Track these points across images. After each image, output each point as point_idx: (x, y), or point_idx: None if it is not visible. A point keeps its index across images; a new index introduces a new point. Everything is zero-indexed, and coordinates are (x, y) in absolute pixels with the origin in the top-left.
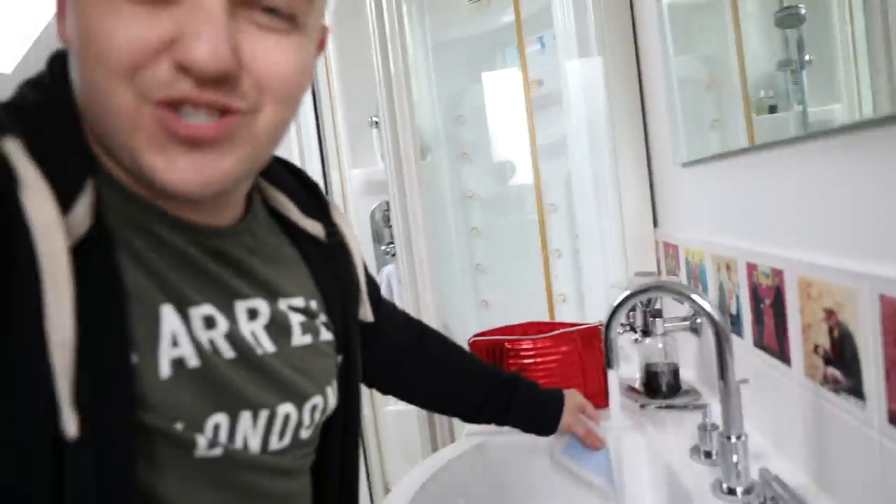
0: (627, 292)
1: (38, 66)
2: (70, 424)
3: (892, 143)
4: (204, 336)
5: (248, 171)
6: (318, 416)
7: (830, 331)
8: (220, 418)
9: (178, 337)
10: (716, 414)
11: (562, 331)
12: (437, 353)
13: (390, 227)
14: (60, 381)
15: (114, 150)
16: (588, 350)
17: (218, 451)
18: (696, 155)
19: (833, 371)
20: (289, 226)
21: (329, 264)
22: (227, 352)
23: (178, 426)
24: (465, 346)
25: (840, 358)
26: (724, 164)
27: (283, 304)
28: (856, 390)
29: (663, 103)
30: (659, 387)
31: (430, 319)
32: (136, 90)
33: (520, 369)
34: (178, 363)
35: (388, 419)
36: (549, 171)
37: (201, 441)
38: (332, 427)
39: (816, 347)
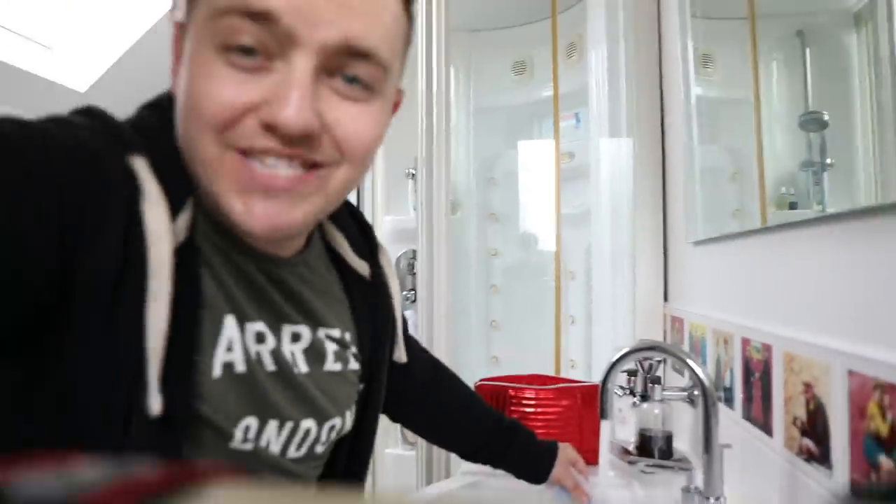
0: (627, 348)
1: (112, 88)
2: (155, 402)
3: (861, 236)
4: (253, 348)
5: (316, 220)
6: (333, 435)
7: (807, 403)
8: (251, 421)
9: (232, 344)
10: (700, 478)
11: (564, 385)
12: (448, 390)
13: (414, 274)
14: (152, 363)
15: (201, 190)
16: (587, 408)
17: (249, 446)
18: (707, 235)
19: (807, 442)
20: (339, 261)
21: (369, 302)
22: (269, 365)
23: (220, 418)
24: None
25: (813, 429)
26: (729, 246)
27: (321, 333)
28: (825, 459)
29: (683, 186)
30: (652, 452)
31: None
32: (222, 143)
33: (520, 417)
34: (228, 366)
35: (388, 462)
36: (571, 239)
37: (238, 434)
38: (341, 445)
39: (795, 419)
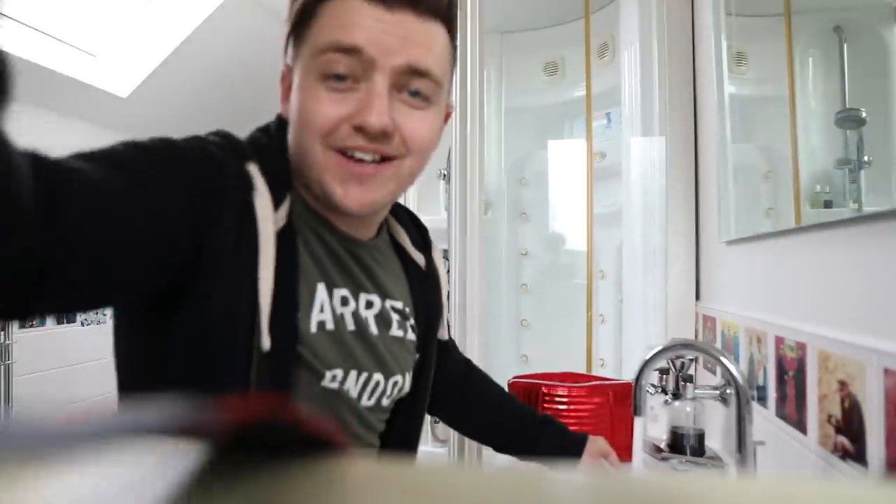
0: (661, 346)
1: (152, 93)
2: (265, 341)
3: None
4: (339, 310)
5: (392, 200)
6: (395, 391)
7: (842, 401)
8: (338, 371)
9: (324, 306)
10: (733, 476)
11: (597, 382)
12: (480, 384)
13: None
14: (263, 315)
15: (309, 182)
16: (619, 406)
17: (335, 385)
18: (740, 234)
19: (842, 439)
20: (401, 251)
21: (423, 286)
22: (350, 325)
23: (316, 363)
24: (505, 388)
25: (849, 427)
26: (762, 245)
27: (388, 303)
28: (860, 457)
29: (716, 185)
30: (683, 449)
31: None
32: (325, 145)
33: (553, 414)
34: (321, 324)
35: (419, 459)
36: (602, 238)
37: (328, 375)
38: (400, 407)
39: (830, 417)
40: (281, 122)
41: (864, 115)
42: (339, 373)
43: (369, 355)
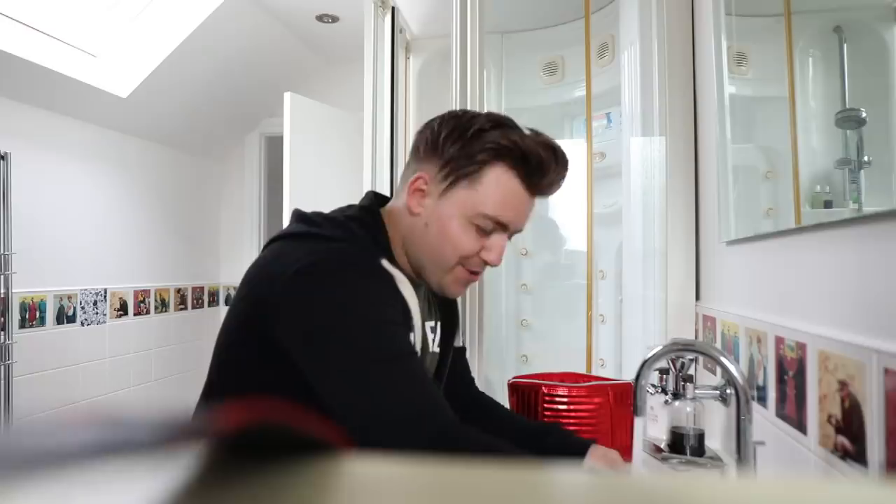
0: (661, 346)
1: (151, 93)
2: (416, 345)
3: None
4: (425, 335)
5: None
6: None
7: (843, 401)
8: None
9: (416, 334)
10: (734, 475)
11: (597, 382)
12: (487, 399)
13: None
14: (415, 337)
15: (427, 274)
16: (619, 406)
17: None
18: (740, 235)
19: (842, 439)
20: None
21: (447, 306)
22: (430, 346)
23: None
24: (505, 388)
25: (849, 427)
26: (762, 245)
27: (427, 325)
28: (860, 457)
29: (716, 185)
30: (683, 450)
31: (472, 367)
32: (459, 263)
33: (553, 414)
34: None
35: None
36: (602, 238)
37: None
38: None
39: (830, 417)
40: (373, 206)
41: (864, 115)
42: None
43: (428, 363)
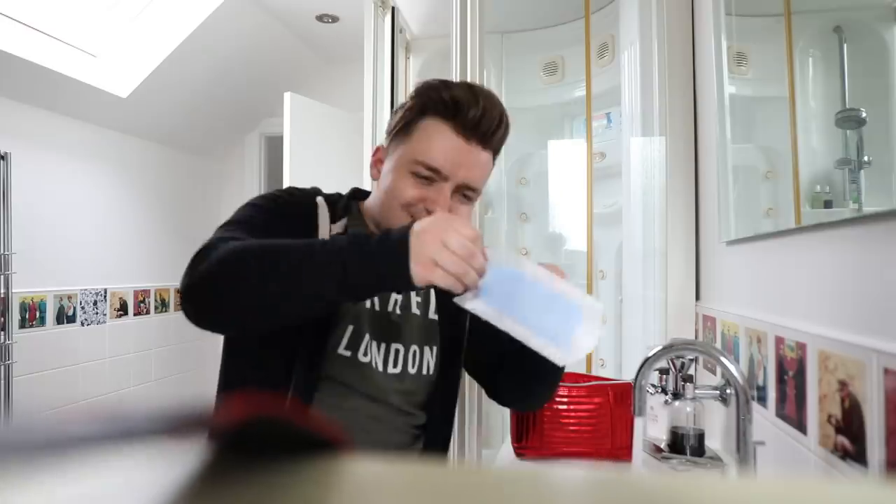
0: (661, 346)
1: (151, 93)
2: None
3: None
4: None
5: None
6: (419, 359)
7: (843, 401)
8: (371, 343)
9: None
10: (734, 475)
11: (597, 382)
12: None
13: None
14: None
15: (383, 225)
16: (619, 406)
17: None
18: (740, 235)
19: (842, 439)
20: None
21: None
22: (376, 306)
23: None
24: None
25: (849, 427)
26: (762, 245)
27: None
28: (860, 457)
29: (716, 185)
30: (683, 449)
31: None
32: (405, 212)
33: (553, 414)
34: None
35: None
36: (602, 238)
37: (365, 340)
38: (435, 393)
39: (830, 417)
40: (354, 193)
41: (864, 115)
42: (372, 343)
43: (398, 331)
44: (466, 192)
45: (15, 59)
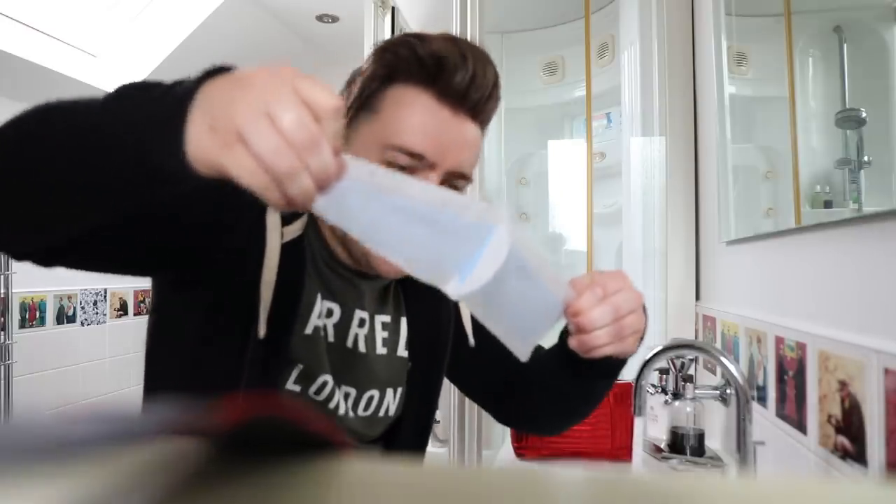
0: (661, 346)
1: None
2: (262, 329)
3: None
4: (325, 321)
5: None
6: (381, 406)
7: (843, 401)
8: (327, 379)
9: (321, 314)
10: (733, 475)
11: None
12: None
13: None
14: (263, 307)
15: (349, 242)
16: (619, 406)
17: (322, 398)
18: (740, 235)
19: (842, 439)
20: None
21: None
22: (333, 338)
23: (306, 366)
24: None
25: (849, 427)
26: (762, 245)
27: (378, 320)
28: (860, 457)
29: (716, 185)
30: (683, 449)
31: None
32: None
33: None
34: (317, 329)
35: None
36: (602, 238)
37: (318, 380)
38: (400, 425)
39: (830, 417)
40: None
41: (864, 115)
42: (328, 381)
43: (356, 371)
44: (456, 182)
45: (15, 59)
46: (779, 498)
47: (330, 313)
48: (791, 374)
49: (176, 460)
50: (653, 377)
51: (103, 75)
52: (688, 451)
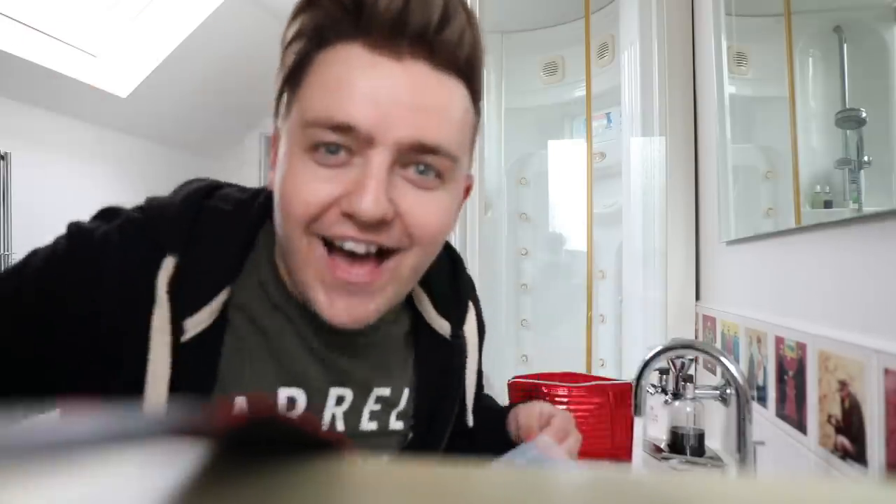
0: (661, 346)
1: (151, 93)
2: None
3: None
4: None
5: (391, 306)
6: None
7: (843, 401)
8: None
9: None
10: (733, 475)
11: (597, 382)
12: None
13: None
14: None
15: (293, 277)
16: (619, 406)
17: None
18: (740, 235)
19: (842, 440)
20: (417, 314)
21: (440, 359)
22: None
23: None
24: (504, 388)
25: (849, 427)
26: (762, 245)
27: (372, 395)
28: (860, 457)
29: (716, 185)
30: (683, 449)
31: None
32: (309, 233)
33: None
34: None
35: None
36: (602, 238)
37: None
38: None
39: (830, 417)
40: (258, 197)
41: (864, 115)
42: None
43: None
44: (425, 161)
45: (15, 59)
46: (779, 498)
47: (293, 402)
48: (791, 374)
49: (176, 461)
50: (653, 377)
51: (103, 75)
52: (688, 451)
